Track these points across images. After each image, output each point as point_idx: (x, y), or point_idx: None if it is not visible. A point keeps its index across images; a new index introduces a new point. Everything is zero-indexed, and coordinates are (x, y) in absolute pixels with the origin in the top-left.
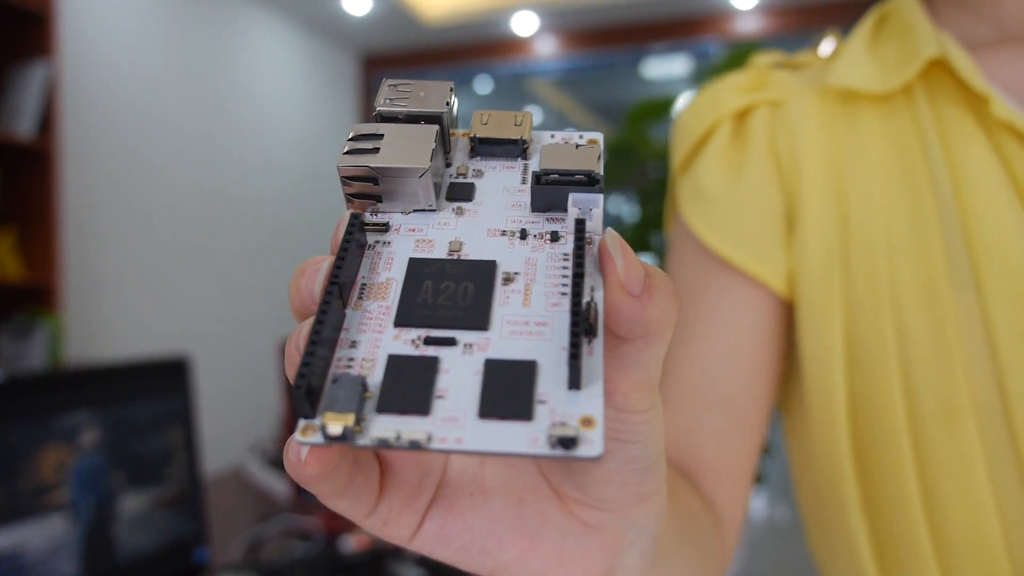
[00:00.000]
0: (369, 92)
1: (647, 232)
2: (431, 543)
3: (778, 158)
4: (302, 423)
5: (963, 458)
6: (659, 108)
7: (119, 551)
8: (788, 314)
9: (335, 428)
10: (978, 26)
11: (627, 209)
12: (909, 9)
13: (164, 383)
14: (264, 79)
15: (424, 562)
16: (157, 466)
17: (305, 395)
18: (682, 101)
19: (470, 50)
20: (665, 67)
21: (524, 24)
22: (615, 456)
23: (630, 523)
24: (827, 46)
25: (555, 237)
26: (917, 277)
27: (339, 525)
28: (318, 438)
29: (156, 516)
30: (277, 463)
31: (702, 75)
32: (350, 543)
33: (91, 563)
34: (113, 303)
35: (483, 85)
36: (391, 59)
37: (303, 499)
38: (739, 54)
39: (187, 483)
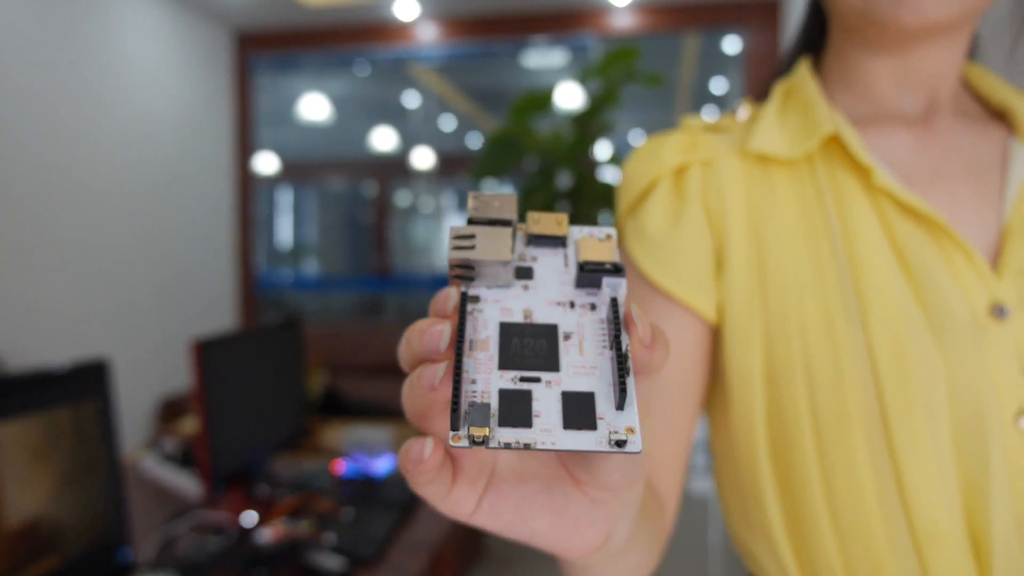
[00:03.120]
0: (244, 72)
1: None
2: (485, 517)
3: (709, 210)
4: (452, 434)
5: (852, 454)
6: (541, 102)
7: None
8: (714, 337)
9: (478, 436)
10: (861, 104)
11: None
12: (809, 88)
13: (83, 387)
14: (134, 58)
15: (340, 550)
16: (80, 470)
17: (454, 417)
18: (559, 93)
19: (350, 33)
20: (544, 58)
21: (405, 10)
22: (624, 459)
23: (623, 501)
24: (742, 112)
25: (594, 307)
26: (818, 311)
27: (255, 518)
28: (465, 443)
29: (82, 519)
30: (181, 461)
31: (584, 73)
32: (266, 535)
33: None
34: None
35: (362, 68)
36: (269, 39)
37: (214, 494)
38: (618, 53)
39: (110, 486)
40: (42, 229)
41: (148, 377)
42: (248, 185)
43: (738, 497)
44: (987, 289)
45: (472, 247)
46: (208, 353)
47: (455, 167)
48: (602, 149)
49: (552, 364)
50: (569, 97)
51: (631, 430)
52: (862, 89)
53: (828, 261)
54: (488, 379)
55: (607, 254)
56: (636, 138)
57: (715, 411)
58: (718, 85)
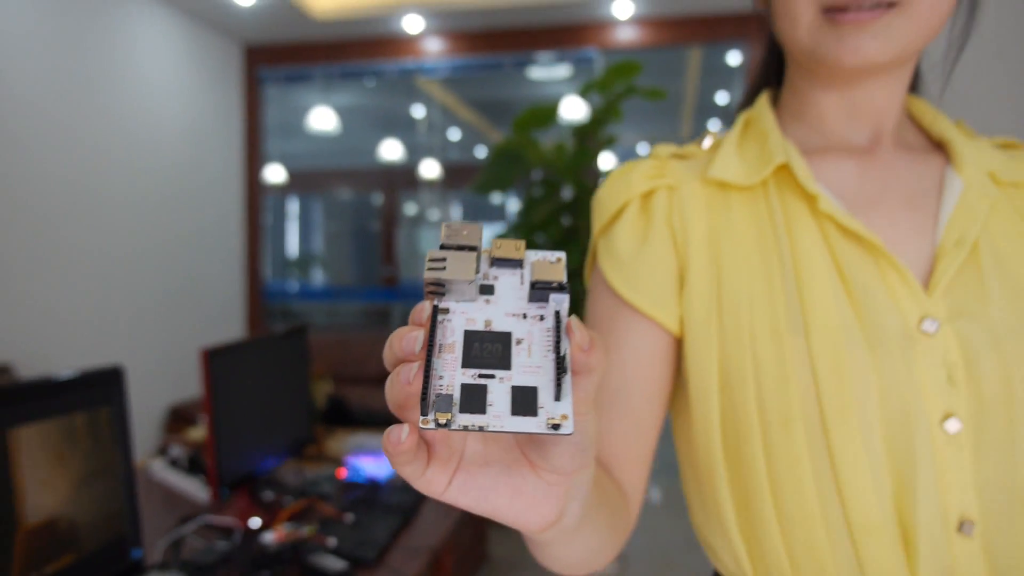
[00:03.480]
0: (252, 83)
1: (531, 233)
2: (455, 494)
3: (673, 231)
4: (421, 418)
5: (794, 453)
6: (544, 116)
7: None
8: (677, 346)
9: (442, 420)
10: (812, 134)
11: (515, 208)
12: (766, 119)
13: (99, 393)
14: (144, 69)
15: (342, 553)
16: (96, 472)
17: (423, 404)
18: (562, 107)
19: (358, 46)
20: (549, 71)
21: (412, 24)
22: (568, 440)
23: (574, 483)
24: (707, 142)
25: (542, 318)
26: (767, 324)
27: (261, 522)
28: (431, 425)
29: (96, 519)
30: (188, 467)
31: (586, 88)
32: (271, 537)
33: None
34: None
35: (369, 80)
36: (278, 51)
37: (221, 499)
38: (618, 68)
39: (123, 488)
40: (52, 239)
41: (156, 385)
42: (256, 195)
43: (698, 492)
44: (918, 305)
45: (443, 268)
46: (216, 361)
47: (462, 177)
48: (606, 160)
49: (505, 364)
50: (572, 109)
51: (564, 417)
52: (813, 121)
53: (777, 278)
54: (453, 375)
55: (556, 274)
56: (643, 149)
57: (678, 414)
58: (722, 97)
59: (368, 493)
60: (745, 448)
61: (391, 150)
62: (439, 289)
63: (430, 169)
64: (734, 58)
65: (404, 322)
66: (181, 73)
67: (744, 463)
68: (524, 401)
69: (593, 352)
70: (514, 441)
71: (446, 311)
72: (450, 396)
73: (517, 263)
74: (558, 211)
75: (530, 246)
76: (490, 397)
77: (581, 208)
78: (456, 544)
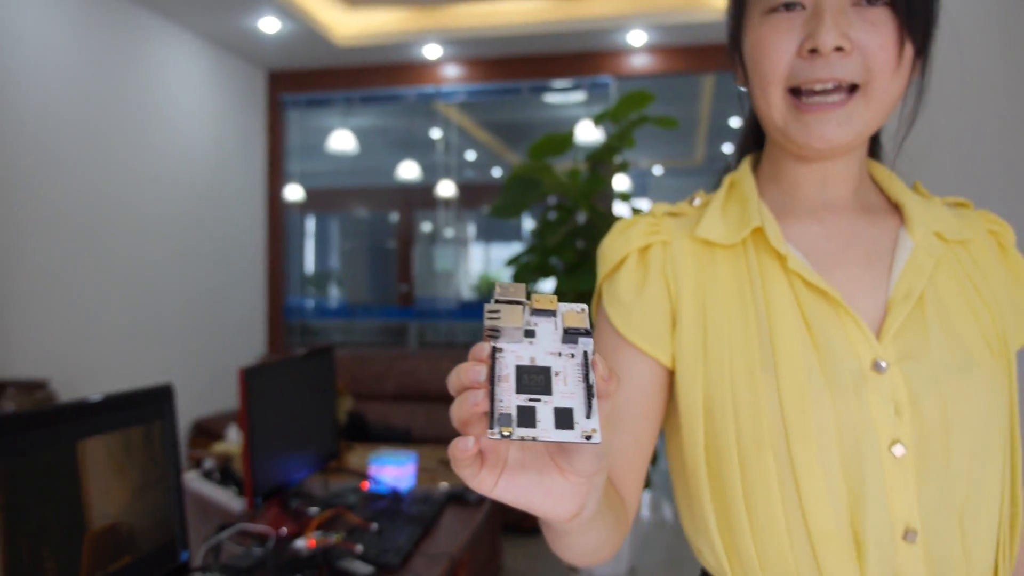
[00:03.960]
0: (275, 108)
1: (546, 256)
2: (501, 491)
3: (667, 280)
4: (489, 431)
5: (765, 472)
6: (560, 143)
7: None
8: (670, 378)
9: (505, 432)
10: (786, 198)
11: (530, 226)
12: (747, 183)
13: (152, 408)
14: (174, 94)
15: (369, 559)
16: (150, 481)
17: (491, 420)
18: (577, 133)
19: (378, 72)
20: (564, 96)
21: (431, 51)
22: (591, 448)
23: (592, 483)
24: (697, 200)
25: (573, 356)
26: (743, 363)
27: (291, 530)
28: (497, 436)
29: (150, 524)
30: (222, 480)
31: (599, 117)
32: (302, 543)
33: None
34: (8, 318)
35: (389, 104)
36: (301, 77)
37: (256, 508)
38: (631, 97)
39: (173, 496)
40: (83, 261)
41: (181, 401)
42: (278, 215)
43: (686, 501)
44: (871, 349)
45: (498, 318)
46: (252, 379)
47: (478, 196)
48: (621, 182)
49: (548, 390)
50: (587, 132)
51: (594, 430)
52: (786, 186)
53: (753, 325)
54: (510, 399)
55: (582, 322)
56: (657, 170)
57: (671, 436)
58: (735, 121)
59: (391, 504)
60: (725, 467)
61: (408, 170)
62: (495, 334)
63: (446, 189)
64: None
65: (420, 342)
66: (208, 98)
67: (724, 479)
68: (564, 418)
69: (611, 381)
70: (545, 450)
71: (501, 350)
72: (509, 415)
73: (552, 313)
74: (572, 235)
75: (546, 269)
76: (538, 415)
77: (594, 232)
78: (472, 556)
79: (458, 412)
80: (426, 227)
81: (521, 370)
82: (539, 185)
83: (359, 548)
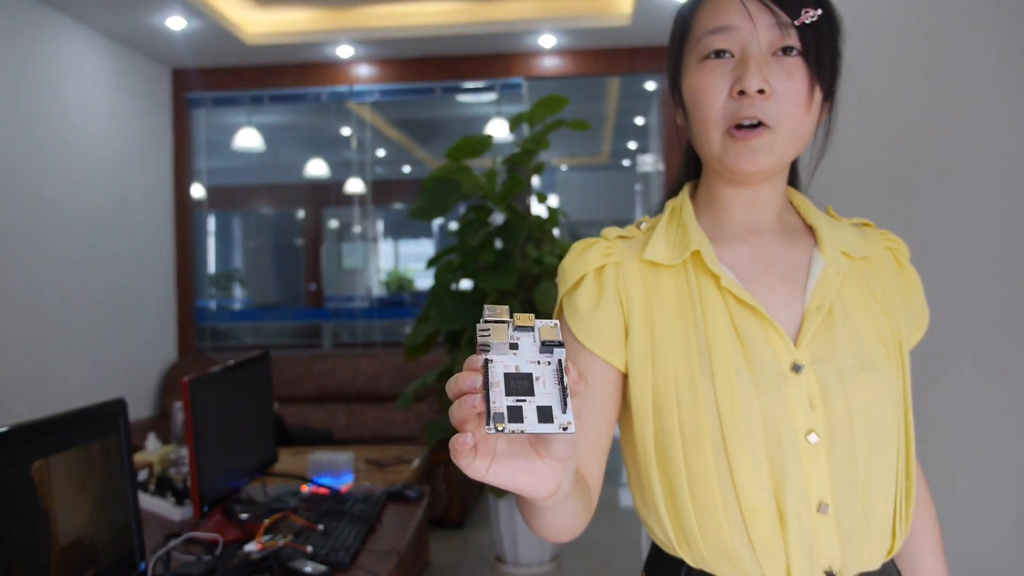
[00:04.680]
0: (181, 106)
1: (467, 256)
2: (492, 476)
3: (619, 296)
4: (486, 427)
5: (704, 459)
6: (478, 145)
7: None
8: (623, 380)
9: (499, 427)
10: (718, 223)
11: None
12: (686, 210)
13: (106, 424)
14: (74, 93)
15: (319, 559)
16: (108, 495)
17: (488, 418)
18: (492, 130)
19: (288, 71)
20: (476, 95)
21: (343, 51)
22: (559, 438)
23: (565, 467)
24: (644, 225)
25: (549, 363)
26: (685, 367)
27: (238, 536)
28: (493, 431)
29: (110, 537)
30: (156, 490)
31: (516, 120)
32: (252, 547)
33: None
34: None
35: (298, 102)
36: (209, 74)
37: (202, 518)
38: (546, 101)
39: (131, 507)
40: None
41: None
42: (187, 218)
43: (638, 485)
44: (789, 353)
45: (488, 335)
46: (195, 390)
47: (388, 193)
48: (533, 181)
49: (531, 392)
50: (499, 130)
51: (570, 423)
52: (719, 211)
53: (692, 335)
54: (501, 401)
55: (555, 336)
56: (564, 168)
57: (624, 430)
58: (639, 120)
59: (334, 505)
60: (671, 456)
61: (316, 167)
62: (486, 347)
63: (355, 185)
64: (651, 84)
65: (333, 342)
66: (110, 97)
67: (670, 466)
68: (545, 414)
69: (581, 383)
70: (527, 440)
71: (492, 361)
72: (502, 413)
73: (530, 328)
74: (491, 235)
75: (468, 269)
76: (524, 413)
77: (513, 232)
78: (412, 548)
79: (458, 413)
80: (333, 224)
81: (508, 377)
82: (458, 187)
83: (309, 548)
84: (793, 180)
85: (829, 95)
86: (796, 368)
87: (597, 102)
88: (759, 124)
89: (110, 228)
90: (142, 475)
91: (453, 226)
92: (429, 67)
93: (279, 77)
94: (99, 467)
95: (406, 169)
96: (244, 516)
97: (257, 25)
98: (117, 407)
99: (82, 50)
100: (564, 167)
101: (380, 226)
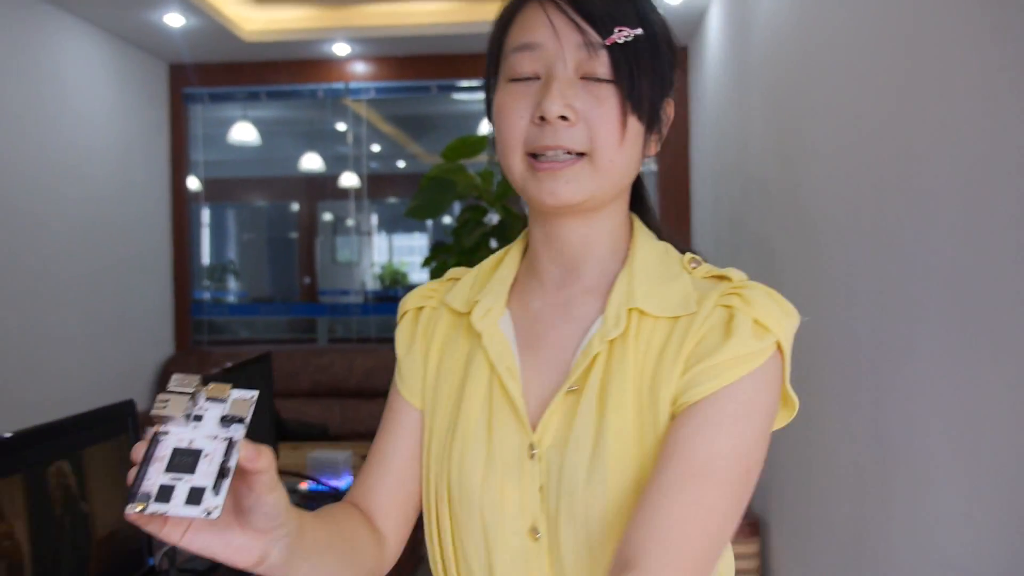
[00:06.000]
0: (178, 101)
1: (463, 255)
2: (187, 543)
3: (426, 340)
4: (128, 506)
5: (460, 525)
6: (474, 145)
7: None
8: None
9: (139, 509)
10: (531, 268)
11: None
12: (514, 249)
13: (116, 425)
14: (72, 88)
15: None
16: (120, 495)
17: (130, 497)
18: (484, 126)
19: (285, 67)
20: (471, 93)
21: (340, 48)
22: (256, 512)
23: (270, 538)
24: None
25: (226, 440)
26: (441, 426)
27: None
28: (133, 510)
29: (123, 534)
30: None
31: None
32: None
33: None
34: None
35: (294, 98)
36: (206, 70)
37: None
38: None
39: None
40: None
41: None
42: (183, 211)
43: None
44: (527, 436)
45: (165, 408)
46: None
47: (383, 187)
48: None
49: (192, 470)
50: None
51: (216, 507)
52: (531, 253)
53: (455, 394)
54: (156, 478)
55: (241, 411)
56: None
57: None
58: None
59: (334, 500)
60: (441, 507)
61: (311, 161)
62: (163, 420)
63: (350, 179)
64: None
65: (328, 337)
66: (108, 92)
67: (439, 517)
68: (195, 496)
69: (259, 460)
70: (229, 507)
71: (166, 433)
72: (149, 493)
73: (223, 400)
74: (487, 235)
75: (464, 265)
76: (176, 492)
77: (508, 232)
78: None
79: (127, 482)
80: (327, 217)
81: (176, 452)
82: (454, 187)
83: None
84: (647, 220)
85: (652, 129)
86: (532, 453)
87: None
88: (567, 154)
89: (107, 221)
90: None
91: (447, 221)
92: (425, 65)
93: (276, 74)
94: (113, 466)
95: (400, 164)
96: None
97: (254, 22)
98: (126, 408)
99: (81, 46)
100: None
101: (374, 220)
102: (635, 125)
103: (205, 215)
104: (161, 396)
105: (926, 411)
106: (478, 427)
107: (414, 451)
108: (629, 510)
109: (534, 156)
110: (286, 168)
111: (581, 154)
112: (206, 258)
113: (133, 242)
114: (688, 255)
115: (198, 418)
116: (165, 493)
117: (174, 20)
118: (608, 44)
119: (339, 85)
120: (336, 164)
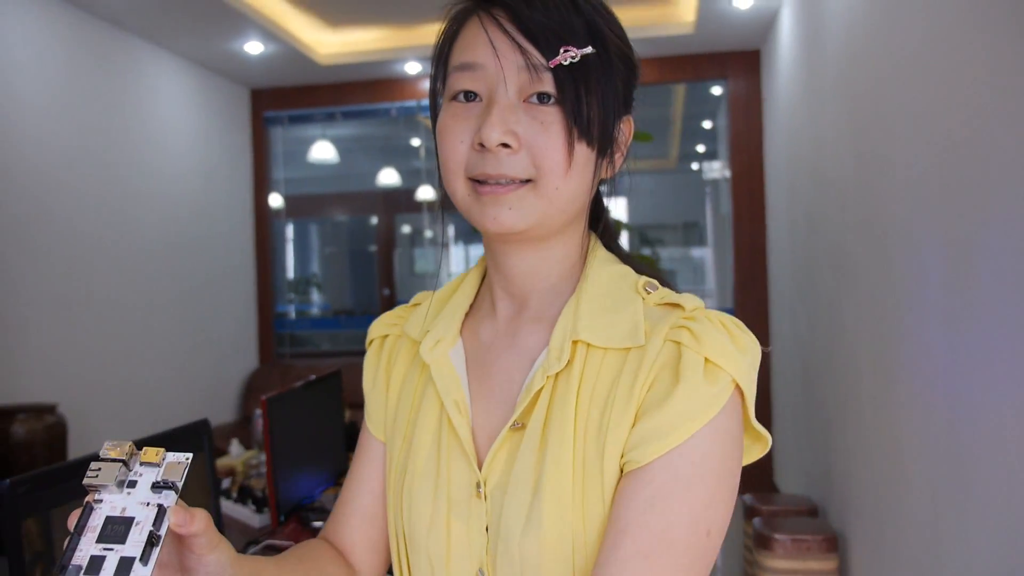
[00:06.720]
0: (259, 123)
1: None
2: None
3: (387, 371)
4: None
5: (415, 562)
6: None
7: None
8: None
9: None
10: (486, 293)
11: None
12: (471, 275)
13: (193, 443)
14: (163, 115)
15: None
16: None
17: (56, 570)
18: None
19: (359, 87)
20: None
21: (411, 67)
22: (199, 572)
23: None
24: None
25: (158, 506)
26: (396, 461)
27: None
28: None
29: None
30: (243, 498)
31: None
32: None
33: None
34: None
35: (370, 116)
36: (285, 93)
37: (279, 526)
38: None
39: (215, 518)
40: (83, 283)
41: (180, 418)
42: (266, 229)
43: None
44: (474, 475)
45: (96, 477)
46: (273, 407)
47: None
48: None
49: (123, 540)
50: None
51: None
52: (488, 279)
53: (408, 427)
54: (87, 549)
55: (174, 474)
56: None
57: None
58: (707, 123)
59: None
60: (401, 544)
61: (388, 176)
62: (95, 488)
63: (426, 192)
64: (717, 89)
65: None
66: (194, 117)
67: (400, 553)
68: (124, 567)
69: (192, 524)
70: (175, 568)
71: (100, 501)
72: (80, 566)
73: (156, 465)
74: None
75: None
76: (106, 563)
77: None
78: None
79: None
80: (405, 230)
81: (108, 520)
82: None
83: None
84: (607, 241)
85: (604, 154)
86: (479, 491)
87: (663, 107)
88: (511, 181)
89: (195, 240)
90: (225, 482)
91: None
92: None
93: (351, 94)
94: (189, 482)
95: None
96: (317, 524)
97: (329, 46)
98: (202, 427)
99: (167, 75)
100: (632, 172)
101: (451, 231)
102: (583, 150)
103: (289, 231)
104: (93, 464)
105: (1003, 423)
106: (427, 463)
107: (379, 483)
108: (566, 559)
109: (473, 181)
110: (364, 183)
111: (525, 180)
112: (291, 272)
113: (219, 259)
114: (644, 279)
115: (132, 484)
116: (95, 565)
117: (254, 48)
118: (552, 66)
119: (411, 103)
120: (412, 178)
